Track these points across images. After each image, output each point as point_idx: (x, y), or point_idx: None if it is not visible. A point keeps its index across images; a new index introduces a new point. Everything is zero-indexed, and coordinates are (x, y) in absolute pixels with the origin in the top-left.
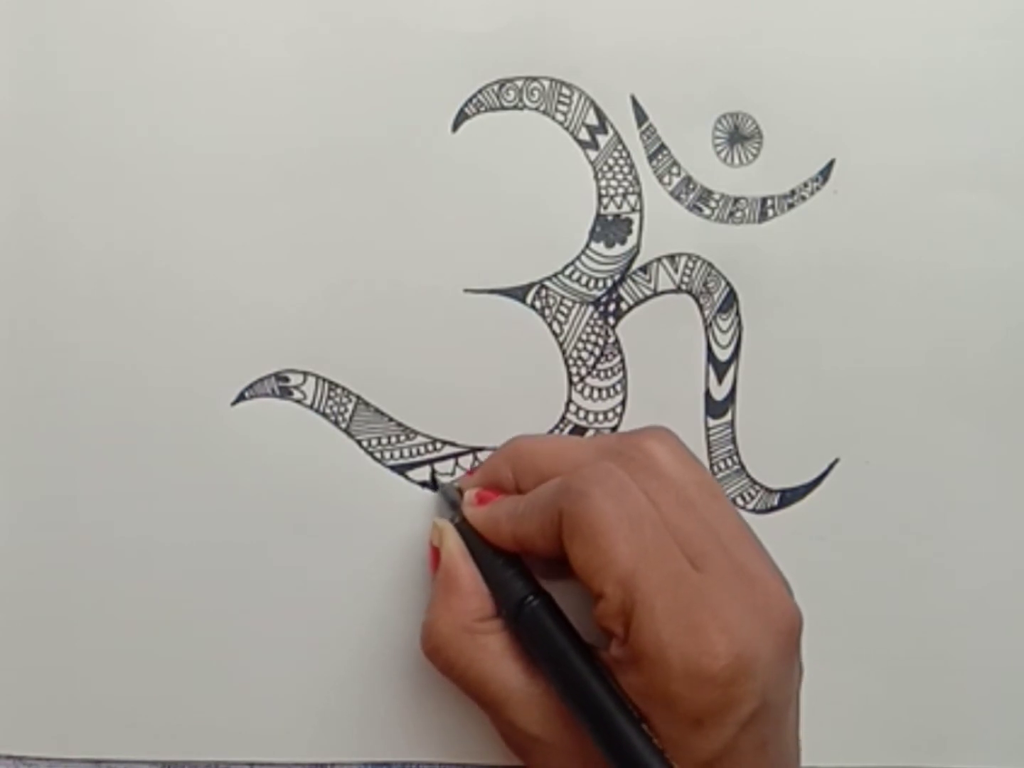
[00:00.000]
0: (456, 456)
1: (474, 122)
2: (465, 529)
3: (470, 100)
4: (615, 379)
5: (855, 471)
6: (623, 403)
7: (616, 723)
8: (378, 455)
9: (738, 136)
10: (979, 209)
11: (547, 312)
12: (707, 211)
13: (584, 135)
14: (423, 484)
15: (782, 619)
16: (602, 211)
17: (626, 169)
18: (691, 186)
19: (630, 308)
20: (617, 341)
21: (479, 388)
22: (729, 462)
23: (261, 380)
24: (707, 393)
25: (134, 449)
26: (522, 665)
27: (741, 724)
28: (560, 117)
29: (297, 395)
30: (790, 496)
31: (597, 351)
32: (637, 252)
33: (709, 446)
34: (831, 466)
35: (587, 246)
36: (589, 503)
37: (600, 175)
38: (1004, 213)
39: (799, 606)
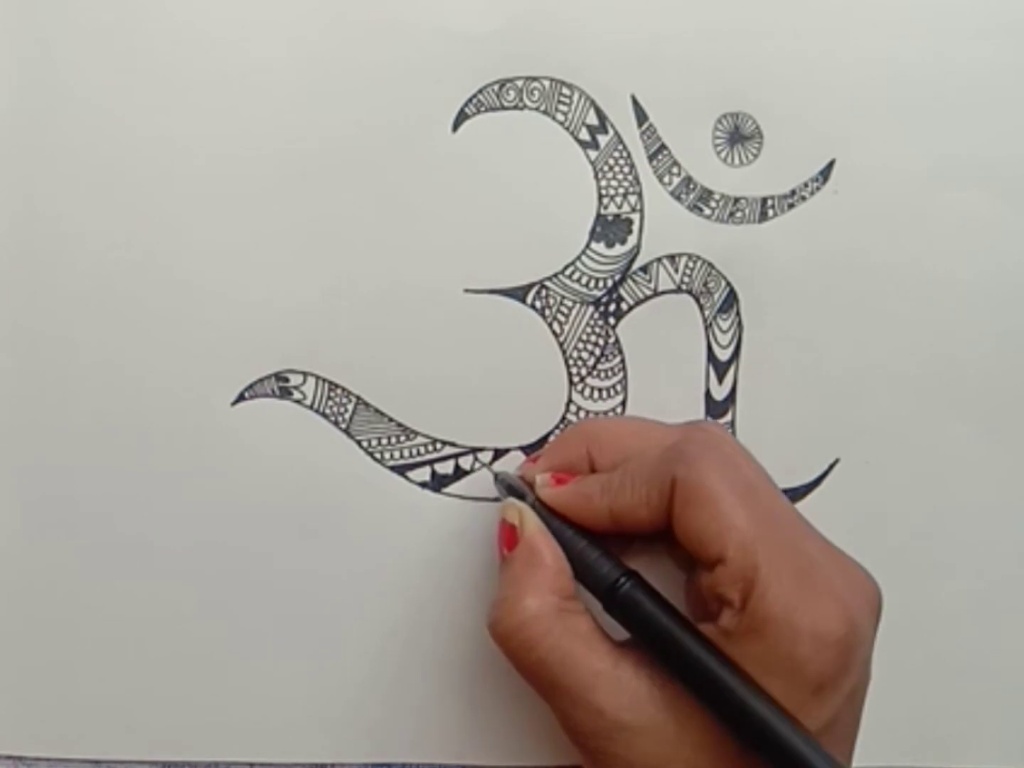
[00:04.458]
0: (456, 456)
1: (474, 122)
2: (541, 511)
3: (470, 100)
4: (615, 379)
5: (855, 471)
6: (623, 403)
7: (740, 695)
8: (378, 455)
9: (738, 136)
10: (979, 209)
11: (547, 312)
12: (707, 211)
13: (584, 135)
14: (423, 484)
15: (873, 596)
16: (602, 211)
17: (626, 169)
18: (691, 186)
19: (630, 308)
20: (617, 341)
21: (479, 388)
22: None
23: (261, 380)
24: (707, 393)
25: (134, 449)
26: (608, 647)
27: (848, 694)
28: (560, 117)
29: (297, 395)
30: (790, 496)
31: (597, 351)
32: (637, 252)
33: None
34: (831, 466)
35: (587, 246)
36: (707, 468)
37: (600, 175)
38: (1004, 213)
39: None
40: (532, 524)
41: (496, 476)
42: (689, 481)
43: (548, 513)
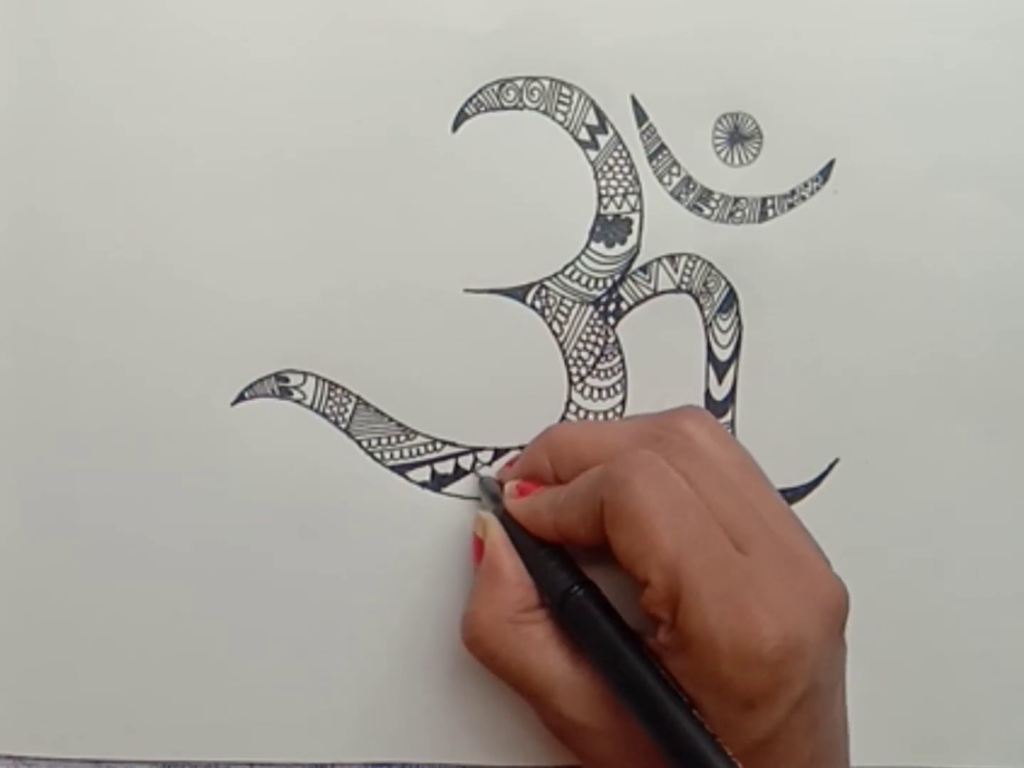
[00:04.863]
0: (456, 456)
1: (474, 122)
2: (508, 521)
3: (470, 100)
4: (615, 379)
5: (855, 471)
6: (623, 403)
7: (666, 710)
8: (378, 455)
9: (738, 136)
10: (979, 209)
11: (547, 312)
12: (707, 211)
13: (584, 135)
14: (423, 484)
15: (829, 599)
16: (602, 211)
17: (626, 169)
18: (691, 186)
19: (630, 308)
20: (617, 341)
21: (479, 388)
22: None
23: (261, 380)
24: (707, 393)
25: (134, 449)
26: (566, 653)
27: (792, 705)
28: (560, 117)
29: (297, 395)
30: (790, 496)
31: (597, 351)
32: (637, 252)
33: None
34: (831, 466)
35: (587, 246)
36: (630, 490)
37: (600, 175)
38: (1004, 213)
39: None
40: (494, 537)
41: (480, 480)
42: (615, 503)
43: (513, 522)
